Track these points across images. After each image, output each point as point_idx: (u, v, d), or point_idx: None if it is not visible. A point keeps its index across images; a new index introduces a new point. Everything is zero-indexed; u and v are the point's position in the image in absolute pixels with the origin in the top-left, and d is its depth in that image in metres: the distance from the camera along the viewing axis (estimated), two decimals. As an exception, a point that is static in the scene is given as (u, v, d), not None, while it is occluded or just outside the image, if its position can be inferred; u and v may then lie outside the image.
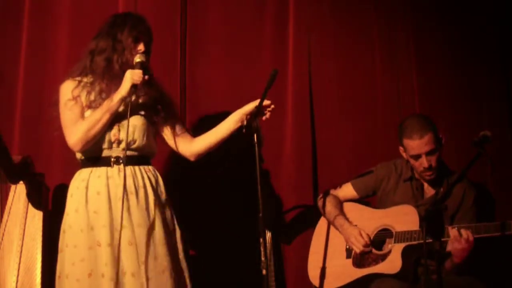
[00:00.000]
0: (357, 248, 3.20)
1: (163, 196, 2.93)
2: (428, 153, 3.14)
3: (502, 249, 3.61)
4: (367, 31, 4.00)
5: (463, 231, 2.96)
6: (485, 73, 4.02)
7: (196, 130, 3.60)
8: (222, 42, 3.87)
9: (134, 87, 2.78)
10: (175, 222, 2.94)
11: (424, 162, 3.15)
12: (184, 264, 2.90)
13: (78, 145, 2.81)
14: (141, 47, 2.86)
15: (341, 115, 3.91)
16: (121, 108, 2.83)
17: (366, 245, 3.19)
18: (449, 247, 3.04)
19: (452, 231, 2.98)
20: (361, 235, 3.21)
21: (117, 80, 2.83)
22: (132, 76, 2.78)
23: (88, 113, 2.83)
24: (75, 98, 2.83)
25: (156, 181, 2.92)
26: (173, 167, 3.59)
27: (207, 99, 3.81)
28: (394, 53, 4.00)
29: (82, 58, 2.93)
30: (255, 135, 2.75)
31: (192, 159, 3.06)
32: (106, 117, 2.79)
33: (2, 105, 3.62)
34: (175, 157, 3.12)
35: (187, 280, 2.89)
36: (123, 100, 2.80)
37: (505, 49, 4.05)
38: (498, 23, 4.06)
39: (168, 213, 2.92)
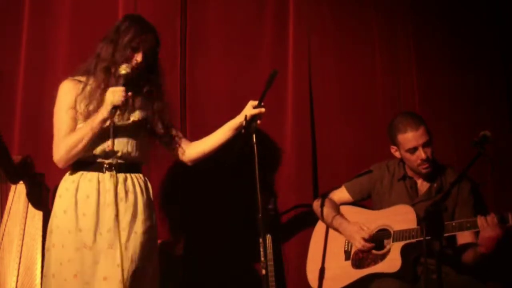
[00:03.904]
0: (359, 242, 3.20)
1: (151, 203, 2.92)
2: (424, 145, 3.17)
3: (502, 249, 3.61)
4: (367, 31, 4.00)
5: (489, 218, 2.94)
6: (485, 73, 4.02)
7: (196, 130, 3.62)
8: (222, 41, 3.87)
9: (114, 108, 2.68)
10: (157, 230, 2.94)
11: (421, 154, 3.16)
12: (157, 272, 2.89)
13: (61, 163, 2.80)
14: (139, 57, 2.77)
15: (341, 115, 3.91)
16: (117, 122, 2.77)
17: (368, 238, 3.19)
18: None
19: (480, 220, 2.95)
20: (362, 229, 3.21)
21: None
22: (113, 97, 2.67)
23: (80, 125, 2.78)
24: (73, 106, 2.79)
25: (146, 187, 2.91)
26: (174, 168, 3.59)
27: (207, 99, 3.81)
28: (394, 53, 4.00)
29: (88, 59, 2.88)
30: (254, 136, 2.75)
31: (188, 164, 3.07)
32: (87, 138, 2.73)
33: (2, 105, 3.62)
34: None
35: None
36: (105, 121, 2.72)
37: (505, 49, 4.05)
38: (498, 23, 4.06)
39: (154, 219, 2.90)
